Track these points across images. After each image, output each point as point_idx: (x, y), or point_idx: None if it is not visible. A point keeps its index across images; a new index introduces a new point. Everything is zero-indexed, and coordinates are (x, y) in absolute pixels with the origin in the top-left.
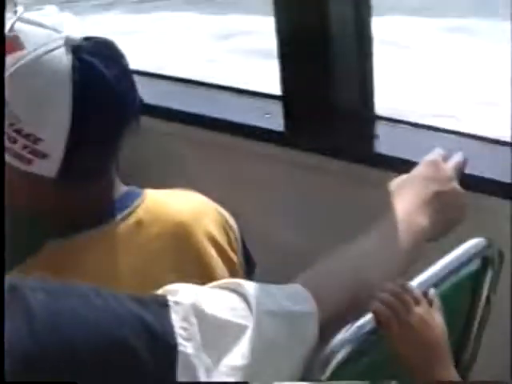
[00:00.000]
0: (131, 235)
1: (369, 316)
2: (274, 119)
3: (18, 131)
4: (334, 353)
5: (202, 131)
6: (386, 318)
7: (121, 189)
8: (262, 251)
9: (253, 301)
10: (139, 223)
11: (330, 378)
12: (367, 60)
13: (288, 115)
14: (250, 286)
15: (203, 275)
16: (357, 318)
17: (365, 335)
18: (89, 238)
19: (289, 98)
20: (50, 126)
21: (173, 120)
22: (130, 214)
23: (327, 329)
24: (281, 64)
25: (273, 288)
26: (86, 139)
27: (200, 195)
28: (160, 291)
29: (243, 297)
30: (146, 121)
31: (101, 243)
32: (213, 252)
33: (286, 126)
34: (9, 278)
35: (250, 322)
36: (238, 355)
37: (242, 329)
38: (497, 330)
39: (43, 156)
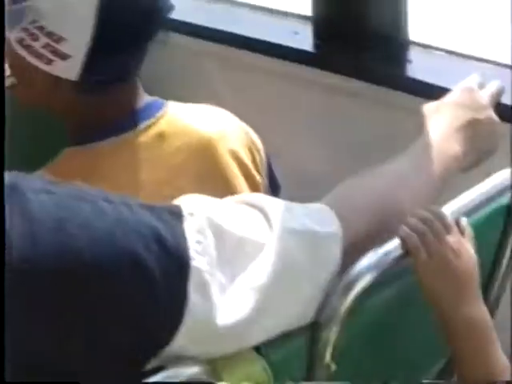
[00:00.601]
0: (152, 146)
1: (396, 242)
2: (303, 39)
3: (41, 28)
4: (357, 279)
5: (230, 49)
6: (414, 245)
7: (144, 99)
8: (290, 175)
9: (273, 217)
10: (161, 135)
11: (352, 306)
12: None
13: (318, 35)
14: (271, 202)
15: (225, 193)
16: (383, 244)
17: (391, 262)
18: (109, 145)
19: (319, 18)
20: (75, 26)
21: (200, 37)
22: (152, 124)
23: (351, 253)
24: None
25: (296, 206)
26: (109, 42)
27: (227, 112)
28: (175, 202)
29: (263, 213)
30: (173, 37)
31: (121, 151)
32: (236, 170)
33: (316, 46)
34: (10, 176)
35: (269, 240)
36: (255, 274)
37: (260, 246)
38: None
39: (64, 57)
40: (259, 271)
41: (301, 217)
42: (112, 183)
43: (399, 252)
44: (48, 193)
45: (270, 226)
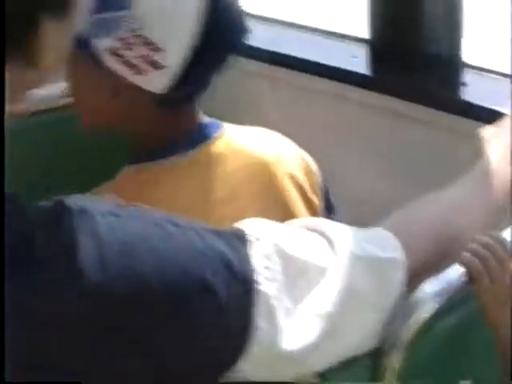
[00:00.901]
0: (210, 166)
1: (458, 268)
2: (361, 62)
3: (140, 37)
4: (420, 306)
5: (287, 71)
6: (477, 272)
7: (202, 118)
8: (344, 198)
9: (337, 243)
10: (220, 156)
11: (415, 334)
12: (457, 5)
13: (375, 59)
14: (333, 227)
15: (284, 216)
16: (442, 271)
17: (454, 289)
18: (169, 164)
19: (376, 42)
20: (176, 38)
21: (258, 59)
22: (210, 145)
23: (413, 280)
24: (369, 6)
25: (358, 231)
26: (203, 55)
27: (283, 137)
28: (237, 225)
29: (325, 237)
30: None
31: (180, 171)
32: (295, 194)
33: (373, 69)
34: (80, 200)
35: (332, 265)
36: (320, 301)
37: (322, 271)
38: None
39: (159, 67)
40: (324, 297)
41: (364, 242)
42: (172, 202)
43: (463, 278)
44: (115, 216)
45: (334, 251)
